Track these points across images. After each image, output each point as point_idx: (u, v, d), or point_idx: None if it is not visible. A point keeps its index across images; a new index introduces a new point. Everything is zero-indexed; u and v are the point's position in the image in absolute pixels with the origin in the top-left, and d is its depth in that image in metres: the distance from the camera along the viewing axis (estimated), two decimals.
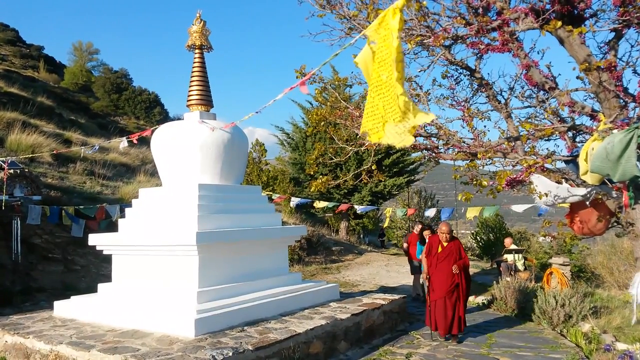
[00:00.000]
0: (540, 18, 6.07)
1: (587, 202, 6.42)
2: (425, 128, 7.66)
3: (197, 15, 8.82)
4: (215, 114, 8.88)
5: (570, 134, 7.08)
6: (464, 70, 7.67)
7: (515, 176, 6.52)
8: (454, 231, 10.90)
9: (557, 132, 6.83)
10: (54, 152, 14.10)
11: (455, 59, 7.29)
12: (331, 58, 4.59)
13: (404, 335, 8.40)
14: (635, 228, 6.12)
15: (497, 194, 7.13)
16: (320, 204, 15.38)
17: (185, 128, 8.35)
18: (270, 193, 16.65)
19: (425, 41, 6.62)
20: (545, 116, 7.16)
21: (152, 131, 8.88)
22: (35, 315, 7.90)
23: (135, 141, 9.49)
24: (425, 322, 8.40)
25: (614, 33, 6.30)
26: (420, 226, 12.00)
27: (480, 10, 6.52)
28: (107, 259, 9.10)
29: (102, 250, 8.43)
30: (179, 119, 16.43)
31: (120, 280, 8.09)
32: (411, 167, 25.10)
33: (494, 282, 11.50)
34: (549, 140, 6.95)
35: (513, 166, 7.05)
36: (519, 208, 12.17)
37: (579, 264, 18.86)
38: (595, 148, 5.18)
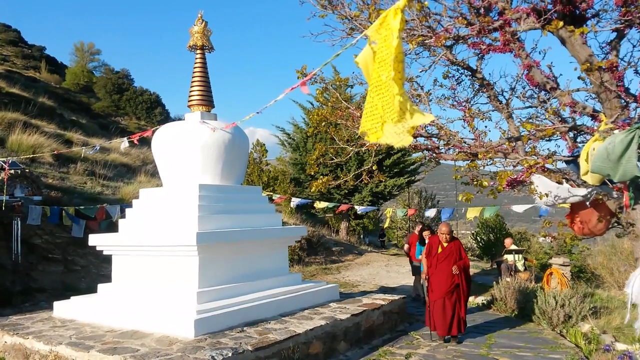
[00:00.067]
0: (542, 18, 6.06)
1: (588, 203, 6.40)
2: (426, 128, 7.64)
3: (199, 15, 8.82)
4: (216, 114, 8.89)
5: (571, 134, 7.06)
6: (465, 71, 7.65)
7: (516, 176, 6.50)
8: (454, 231, 10.89)
9: (558, 133, 6.80)
10: (55, 152, 14.10)
11: (456, 59, 7.27)
12: (332, 58, 4.58)
13: (403, 336, 8.40)
14: (635, 228, 6.09)
15: (498, 194, 7.11)
16: (320, 205, 15.39)
17: (186, 128, 8.35)
18: (271, 193, 16.66)
19: (426, 41, 6.60)
20: (547, 116, 7.14)
21: (153, 131, 8.88)
22: (34, 316, 7.89)
23: (136, 142, 9.50)
24: (425, 322, 8.40)
25: (615, 33, 6.29)
26: (420, 226, 12.00)
27: (482, 10, 6.51)
28: (107, 260, 9.10)
29: (102, 251, 8.43)
30: (180, 119, 16.45)
31: (120, 281, 8.09)
32: (412, 167, 25.09)
33: (494, 282, 11.49)
34: (550, 140, 6.92)
35: (514, 166, 7.03)
36: (519, 208, 12.20)
37: (579, 264, 18.86)
38: (596, 148, 5.17)
